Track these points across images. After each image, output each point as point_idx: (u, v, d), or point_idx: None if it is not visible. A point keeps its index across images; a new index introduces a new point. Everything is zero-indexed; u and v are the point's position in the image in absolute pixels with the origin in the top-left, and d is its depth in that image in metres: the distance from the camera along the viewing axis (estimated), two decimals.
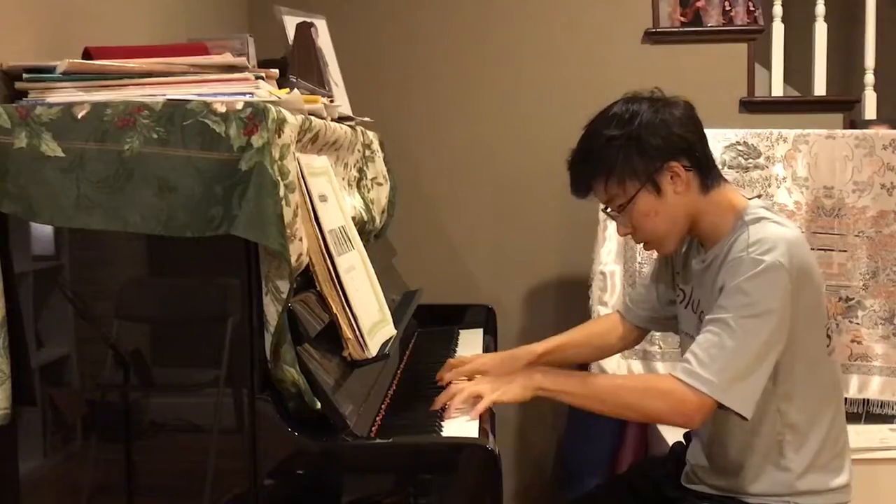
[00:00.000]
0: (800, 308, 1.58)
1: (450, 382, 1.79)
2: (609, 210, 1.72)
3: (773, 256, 1.54)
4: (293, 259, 1.39)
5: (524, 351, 1.96)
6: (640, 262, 2.61)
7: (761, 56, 3.12)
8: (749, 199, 1.70)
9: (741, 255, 1.56)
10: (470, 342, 2.35)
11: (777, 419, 1.64)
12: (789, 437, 1.65)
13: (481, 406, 1.60)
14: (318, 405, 1.42)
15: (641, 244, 1.74)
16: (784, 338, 1.57)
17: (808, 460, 1.65)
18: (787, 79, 3.12)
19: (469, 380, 1.76)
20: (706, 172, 1.66)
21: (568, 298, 3.00)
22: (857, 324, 2.56)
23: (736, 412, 1.55)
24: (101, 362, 1.49)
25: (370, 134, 2.23)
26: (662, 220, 1.66)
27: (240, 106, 1.37)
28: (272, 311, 1.41)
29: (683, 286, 1.79)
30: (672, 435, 2.32)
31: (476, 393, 1.63)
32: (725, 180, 1.71)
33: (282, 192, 1.36)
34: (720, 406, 1.55)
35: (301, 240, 1.44)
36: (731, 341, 1.53)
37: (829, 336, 1.67)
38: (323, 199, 1.60)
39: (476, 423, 1.60)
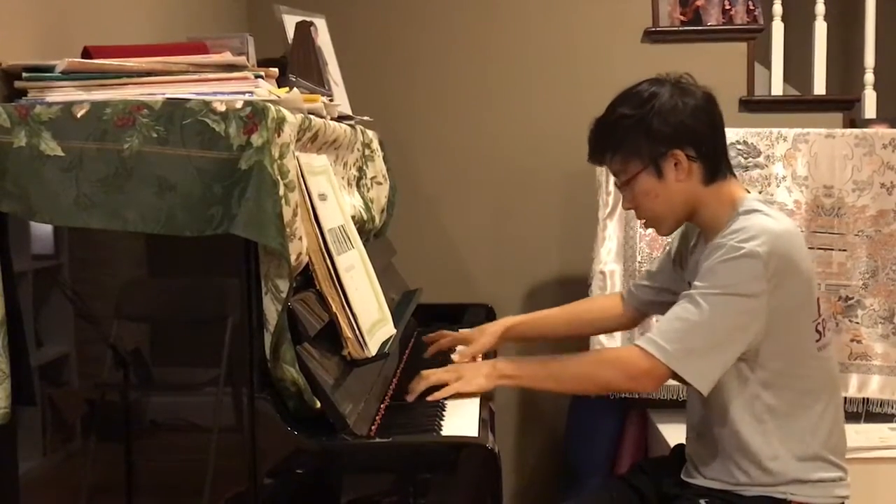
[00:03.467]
0: (781, 300, 1.61)
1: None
2: (616, 182, 1.78)
3: (751, 245, 1.59)
4: (293, 258, 1.39)
5: (494, 324, 2.08)
6: (639, 262, 2.61)
7: (761, 55, 3.12)
8: (748, 193, 1.73)
9: (722, 241, 1.63)
10: None
11: (757, 405, 1.67)
12: (772, 423, 1.67)
13: (441, 394, 1.70)
14: (318, 404, 1.42)
15: (642, 221, 1.79)
16: (757, 325, 1.61)
17: (795, 448, 1.67)
18: (787, 78, 3.11)
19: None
20: (712, 165, 1.70)
21: (568, 297, 2.95)
22: (857, 323, 2.56)
23: (691, 384, 1.61)
24: (101, 361, 1.49)
25: (370, 133, 2.23)
26: (661, 203, 1.71)
27: (239, 105, 1.36)
28: (272, 310, 1.41)
29: (689, 279, 1.80)
30: (673, 435, 2.32)
31: (441, 381, 1.72)
32: (732, 175, 1.74)
33: (281, 192, 1.36)
34: (675, 377, 1.61)
35: (300, 239, 1.44)
36: (695, 316, 1.60)
37: (819, 331, 1.68)
38: (322, 198, 1.60)
39: (476, 423, 1.60)
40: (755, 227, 1.61)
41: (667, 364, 1.60)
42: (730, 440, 1.69)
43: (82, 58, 1.54)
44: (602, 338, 2.58)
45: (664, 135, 1.66)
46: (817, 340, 1.69)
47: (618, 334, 2.59)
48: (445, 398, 1.70)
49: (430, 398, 1.71)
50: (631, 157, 1.69)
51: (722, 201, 1.70)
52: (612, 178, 2.60)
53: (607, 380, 1.70)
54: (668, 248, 2.00)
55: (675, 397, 2.52)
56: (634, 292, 2.03)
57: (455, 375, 1.74)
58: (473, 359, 1.99)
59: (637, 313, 2.05)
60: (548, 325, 2.13)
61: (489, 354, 2.06)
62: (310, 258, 1.52)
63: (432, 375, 1.74)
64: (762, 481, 1.67)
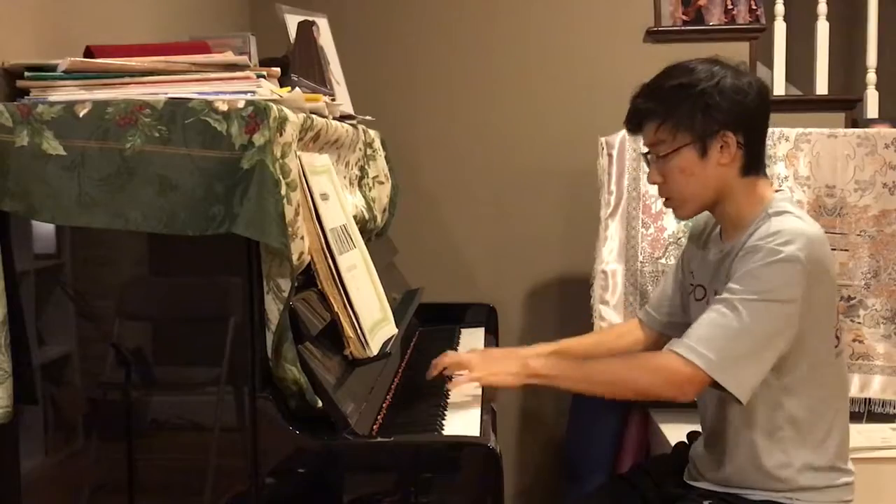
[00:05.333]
0: (810, 304, 1.59)
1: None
2: (649, 154, 1.72)
3: (790, 249, 1.55)
4: (294, 257, 1.39)
5: (526, 350, 1.96)
6: (641, 262, 2.60)
7: (763, 55, 3.12)
8: (776, 191, 1.71)
9: (759, 244, 1.58)
10: (471, 341, 2.35)
11: (777, 412, 1.65)
12: (789, 431, 1.65)
13: (462, 380, 1.68)
14: (320, 404, 1.42)
15: (662, 200, 1.74)
16: (793, 331, 1.58)
17: (808, 457, 1.65)
18: (789, 78, 3.11)
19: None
20: (754, 157, 1.67)
21: (569, 297, 2.99)
22: (859, 323, 2.56)
23: (731, 393, 1.56)
24: (103, 361, 1.49)
25: (371, 132, 2.23)
26: (694, 183, 1.66)
27: (241, 104, 1.37)
28: (273, 309, 1.41)
29: (699, 281, 1.79)
30: (674, 435, 2.32)
31: (465, 364, 1.70)
32: (765, 175, 1.71)
33: (283, 191, 1.36)
34: (715, 385, 1.57)
35: (302, 238, 1.44)
36: (735, 322, 1.55)
37: (837, 337, 1.67)
38: (324, 197, 1.60)
39: (477, 422, 1.60)
40: (791, 230, 1.57)
41: (709, 373, 1.55)
42: (742, 446, 1.68)
43: (84, 57, 1.54)
44: None
45: (723, 113, 1.62)
46: (835, 346, 1.68)
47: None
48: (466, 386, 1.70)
49: (451, 384, 1.71)
50: (680, 129, 1.63)
51: (751, 197, 1.67)
52: (613, 178, 2.63)
53: (646, 386, 1.64)
54: (676, 264, 1.94)
55: None
56: (653, 314, 1.97)
57: (481, 364, 1.71)
58: None
59: (659, 336, 1.96)
60: (580, 356, 1.99)
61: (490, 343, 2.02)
62: (311, 257, 1.52)
63: (454, 357, 1.74)
64: (769, 486, 1.67)
